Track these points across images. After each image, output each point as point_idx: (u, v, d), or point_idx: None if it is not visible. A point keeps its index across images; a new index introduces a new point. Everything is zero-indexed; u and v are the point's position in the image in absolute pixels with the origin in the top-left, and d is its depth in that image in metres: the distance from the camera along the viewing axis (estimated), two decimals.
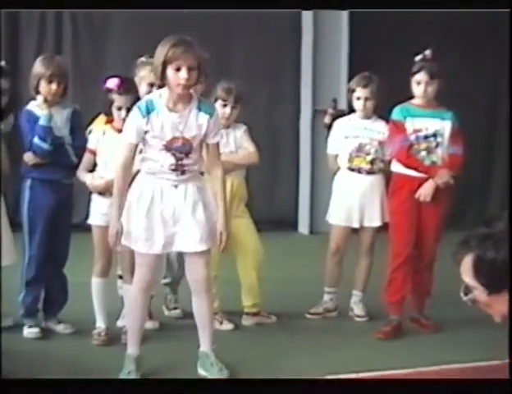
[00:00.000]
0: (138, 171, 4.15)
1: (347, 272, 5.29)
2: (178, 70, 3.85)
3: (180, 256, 4.84)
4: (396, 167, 4.98)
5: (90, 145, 4.66)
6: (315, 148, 8.08)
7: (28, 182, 4.68)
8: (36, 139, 4.58)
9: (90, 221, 4.69)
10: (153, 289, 4.34)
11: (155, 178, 4.02)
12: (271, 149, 8.03)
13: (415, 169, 4.87)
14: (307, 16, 8.16)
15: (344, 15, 8.15)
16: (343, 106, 7.56)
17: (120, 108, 4.51)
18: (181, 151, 3.98)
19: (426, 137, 4.91)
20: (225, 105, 4.90)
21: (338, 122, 5.36)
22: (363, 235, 5.26)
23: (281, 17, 8.13)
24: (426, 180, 4.87)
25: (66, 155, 4.70)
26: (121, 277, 4.83)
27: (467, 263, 2.49)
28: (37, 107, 4.63)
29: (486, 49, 8.43)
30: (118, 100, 4.50)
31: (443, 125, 4.93)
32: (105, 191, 4.57)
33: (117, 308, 4.82)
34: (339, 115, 5.98)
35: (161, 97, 3.96)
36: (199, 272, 4.10)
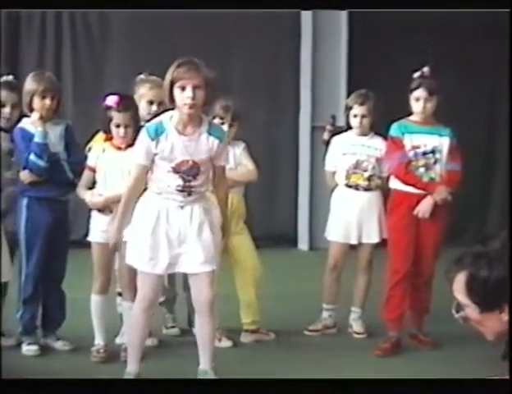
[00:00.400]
0: (144, 190, 4.16)
1: (346, 288, 5.29)
2: (183, 89, 3.87)
3: (172, 276, 4.85)
4: (395, 184, 4.98)
5: (90, 162, 4.66)
6: (314, 165, 8.08)
7: (24, 201, 4.66)
8: (32, 157, 4.57)
9: (90, 238, 4.69)
10: (154, 308, 4.34)
11: (161, 198, 4.02)
12: (270, 166, 8.03)
13: (413, 186, 4.88)
14: (306, 31, 8.18)
15: (343, 30, 8.17)
16: (342, 122, 7.57)
17: (118, 126, 4.52)
18: (189, 174, 3.98)
19: (424, 153, 4.92)
20: (222, 123, 4.91)
21: (336, 139, 5.38)
22: (361, 252, 5.26)
23: (280, 32, 8.17)
24: (424, 196, 4.87)
25: (62, 171, 4.70)
26: (120, 294, 4.83)
27: (460, 280, 2.50)
28: (30, 124, 4.63)
29: (485, 60, 8.43)
30: (117, 117, 4.51)
31: (441, 142, 4.94)
32: (104, 208, 4.57)
33: (116, 325, 4.82)
34: (337, 131, 6.00)
35: (171, 119, 3.97)
36: (204, 293, 4.09)
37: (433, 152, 4.93)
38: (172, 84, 3.88)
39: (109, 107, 4.53)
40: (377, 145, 5.17)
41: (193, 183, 4.00)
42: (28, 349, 4.72)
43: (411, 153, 4.91)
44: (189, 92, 3.86)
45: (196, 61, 3.93)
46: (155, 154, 3.96)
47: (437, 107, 4.92)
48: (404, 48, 8.00)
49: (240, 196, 5.11)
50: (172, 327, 5.22)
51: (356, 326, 5.27)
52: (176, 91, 3.88)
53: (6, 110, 4.71)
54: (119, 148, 4.58)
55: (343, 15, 8.10)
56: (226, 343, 4.98)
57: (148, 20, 7.75)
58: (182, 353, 4.67)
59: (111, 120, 4.53)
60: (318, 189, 7.89)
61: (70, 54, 8.04)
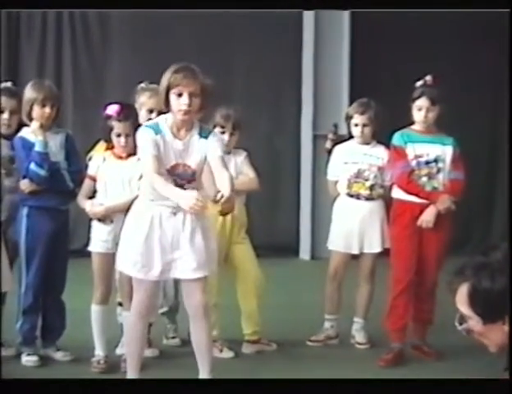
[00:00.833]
0: (136, 197, 4.15)
1: (348, 298, 5.26)
2: (180, 95, 3.87)
3: (177, 284, 4.82)
4: (397, 193, 4.96)
5: (90, 172, 4.64)
6: (316, 174, 8.06)
7: (25, 210, 4.65)
8: (33, 166, 4.56)
9: (90, 247, 4.66)
10: (151, 315, 4.32)
11: (154, 205, 4.00)
12: (271, 175, 8.02)
13: (416, 195, 4.85)
14: (308, 37, 8.17)
15: (345, 37, 8.15)
16: (344, 131, 7.55)
17: (119, 135, 4.51)
18: (183, 177, 3.98)
19: (427, 163, 4.90)
20: (223, 132, 4.89)
21: (337, 148, 5.36)
22: (363, 262, 5.23)
23: (282, 41, 8.16)
24: (427, 206, 4.84)
25: (63, 181, 4.68)
26: (120, 305, 4.80)
27: (462, 292, 2.48)
28: (31, 133, 4.61)
29: (488, 67, 8.40)
30: (118, 127, 4.50)
31: (444, 151, 4.92)
32: (105, 218, 4.55)
33: (117, 335, 4.79)
34: (339, 140, 5.97)
35: (166, 121, 3.97)
36: (196, 298, 4.08)
37: (436, 161, 4.90)
38: (168, 89, 3.88)
39: (109, 117, 4.52)
40: (379, 154, 5.15)
41: (186, 187, 3.98)
42: (27, 359, 4.70)
43: (414, 163, 4.88)
44: (185, 99, 3.86)
45: (193, 68, 3.94)
46: (159, 147, 3.91)
47: (440, 116, 4.90)
48: (406, 55, 7.98)
49: (242, 205, 5.08)
50: (173, 337, 5.19)
51: (359, 336, 5.23)
52: (172, 97, 3.89)
53: (5, 116, 4.69)
54: (120, 158, 4.56)
55: (345, 21, 8.08)
56: (227, 354, 4.95)
57: (149, 24, 7.76)
58: (183, 363, 4.64)
59: (111, 129, 4.52)
60: (320, 198, 7.87)
61: (71, 55, 8.04)
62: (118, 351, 4.80)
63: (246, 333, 5.09)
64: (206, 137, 4.00)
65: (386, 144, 5.07)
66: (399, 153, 4.92)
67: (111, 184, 4.57)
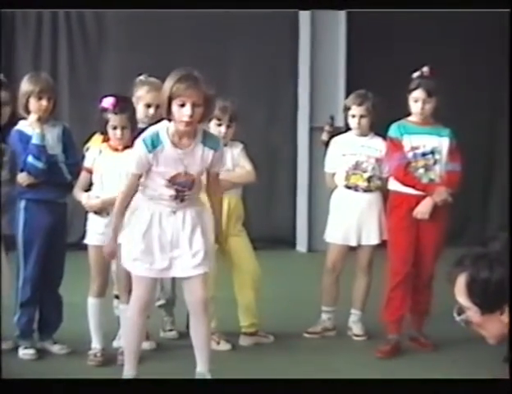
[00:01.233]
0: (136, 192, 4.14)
1: (345, 290, 5.26)
2: (182, 106, 3.82)
3: (174, 277, 4.82)
4: (394, 185, 4.95)
5: (87, 164, 4.63)
6: (312, 166, 8.06)
7: (22, 203, 4.64)
8: (30, 159, 4.55)
9: (86, 240, 4.66)
10: (149, 310, 4.32)
11: (153, 203, 4.01)
12: (268, 167, 8.01)
13: (413, 187, 4.85)
14: (304, 32, 8.15)
15: (341, 29, 8.14)
16: (340, 123, 7.55)
17: (115, 128, 4.49)
18: (184, 185, 3.98)
19: (424, 154, 4.89)
20: (220, 124, 4.88)
21: (335, 140, 5.34)
22: (360, 254, 5.22)
23: (278, 33, 8.14)
24: (424, 197, 4.84)
25: (60, 173, 4.68)
26: (117, 297, 4.80)
27: (460, 282, 2.49)
28: (27, 126, 4.60)
29: (486, 59, 8.40)
30: (113, 120, 4.48)
31: (441, 142, 4.91)
32: (101, 211, 4.54)
33: (114, 328, 4.79)
34: (336, 132, 5.97)
35: (168, 131, 3.93)
36: (197, 294, 4.08)
37: (433, 152, 4.90)
38: (171, 99, 3.82)
39: (105, 109, 4.50)
40: (377, 146, 5.14)
41: (186, 193, 3.99)
42: (25, 353, 4.69)
43: (410, 154, 4.87)
44: (188, 110, 3.81)
45: (196, 76, 3.86)
46: (151, 165, 3.93)
47: (436, 108, 4.89)
48: (403, 47, 7.96)
49: (238, 198, 5.07)
50: (170, 330, 5.19)
51: (356, 328, 5.23)
52: (175, 107, 3.83)
53: None
54: (116, 150, 4.55)
55: (341, 14, 8.06)
56: (224, 346, 4.95)
57: (145, 21, 7.72)
58: (180, 356, 4.64)
59: (107, 122, 4.50)
60: (317, 190, 7.87)
61: (66, 47, 8.00)
62: (115, 344, 4.80)
63: (243, 326, 5.09)
64: (213, 149, 3.97)
65: (384, 135, 5.06)
66: (395, 145, 4.91)
67: (107, 176, 4.56)
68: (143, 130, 4.17)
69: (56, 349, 4.79)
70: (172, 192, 3.98)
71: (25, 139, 4.59)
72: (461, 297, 2.50)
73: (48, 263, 4.69)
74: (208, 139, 4.00)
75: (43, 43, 7.98)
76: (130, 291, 4.28)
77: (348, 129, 5.29)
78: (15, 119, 4.70)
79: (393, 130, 4.94)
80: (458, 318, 2.54)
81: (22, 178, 4.61)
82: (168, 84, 3.85)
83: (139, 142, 3.96)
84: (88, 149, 4.71)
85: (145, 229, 3.99)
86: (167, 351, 4.91)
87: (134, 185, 4.01)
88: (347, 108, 5.17)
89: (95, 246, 4.59)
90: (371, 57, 8.00)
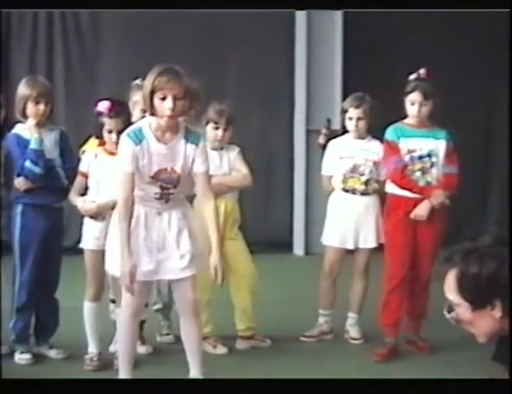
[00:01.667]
0: None
1: (342, 294, 5.25)
2: (164, 99, 3.82)
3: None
4: (391, 188, 4.94)
5: (82, 168, 4.62)
6: (309, 169, 8.05)
7: (19, 208, 4.63)
8: (28, 163, 4.53)
9: (82, 245, 4.65)
10: (142, 314, 4.30)
11: (139, 205, 3.97)
12: (265, 170, 8.00)
13: (410, 190, 4.84)
14: (300, 34, 8.14)
15: (338, 31, 8.13)
16: (337, 126, 7.53)
17: (111, 131, 4.48)
18: (169, 182, 3.95)
19: (420, 157, 4.89)
20: (217, 128, 4.87)
21: (332, 143, 5.33)
22: (358, 257, 5.21)
23: (274, 36, 8.13)
24: (421, 200, 4.83)
25: (57, 178, 4.66)
26: (113, 301, 4.78)
27: (450, 278, 2.46)
28: (25, 130, 4.59)
29: (483, 61, 8.39)
30: (109, 123, 4.47)
31: (437, 145, 4.91)
32: (97, 215, 4.53)
33: (110, 332, 4.76)
34: (333, 135, 5.95)
35: (150, 125, 3.92)
36: (186, 297, 4.08)
37: (429, 155, 4.89)
38: (153, 93, 3.82)
39: (101, 113, 4.49)
40: (375, 149, 5.12)
41: (171, 191, 3.97)
42: (21, 357, 4.68)
43: (407, 157, 4.87)
44: (169, 102, 3.81)
45: (177, 70, 3.87)
46: (138, 160, 3.89)
47: (433, 111, 4.88)
48: (400, 49, 7.95)
49: (234, 201, 5.06)
50: (167, 334, 5.17)
51: (353, 331, 5.22)
52: (157, 100, 3.83)
53: None
54: (111, 154, 4.53)
55: (338, 16, 8.05)
56: (221, 350, 4.94)
57: (141, 22, 7.71)
58: (177, 360, 4.60)
59: (103, 125, 4.49)
60: (314, 193, 7.86)
61: (62, 50, 7.98)
62: (112, 349, 4.78)
63: (240, 329, 5.07)
64: (194, 143, 3.95)
65: (380, 138, 5.05)
66: (392, 148, 4.90)
67: (102, 180, 4.55)
68: None
69: (52, 353, 4.78)
70: (157, 189, 3.94)
71: (22, 143, 4.57)
72: (451, 294, 2.48)
73: (44, 267, 4.67)
74: (189, 135, 3.98)
75: (39, 46, 7.96)
76: None
77: (345, 131, 5.28)
78: (9, 122, 4.69)
79: (389, 133, 4.93)
80: (448, 316, 2.52)
81: (19, 183, 4.59)
82: (149, 78, 3.85)
83: (124, 138, 3.93)
84: (84, 152, 4.70)
85: (131, 231, 3.94)
86: (164, 355, 4.89)
87: (131, 186, 3.90)
88: (344, 111, 5.16)
89: (91, 250, 4.58)
90: (367, 59, 8.00)
